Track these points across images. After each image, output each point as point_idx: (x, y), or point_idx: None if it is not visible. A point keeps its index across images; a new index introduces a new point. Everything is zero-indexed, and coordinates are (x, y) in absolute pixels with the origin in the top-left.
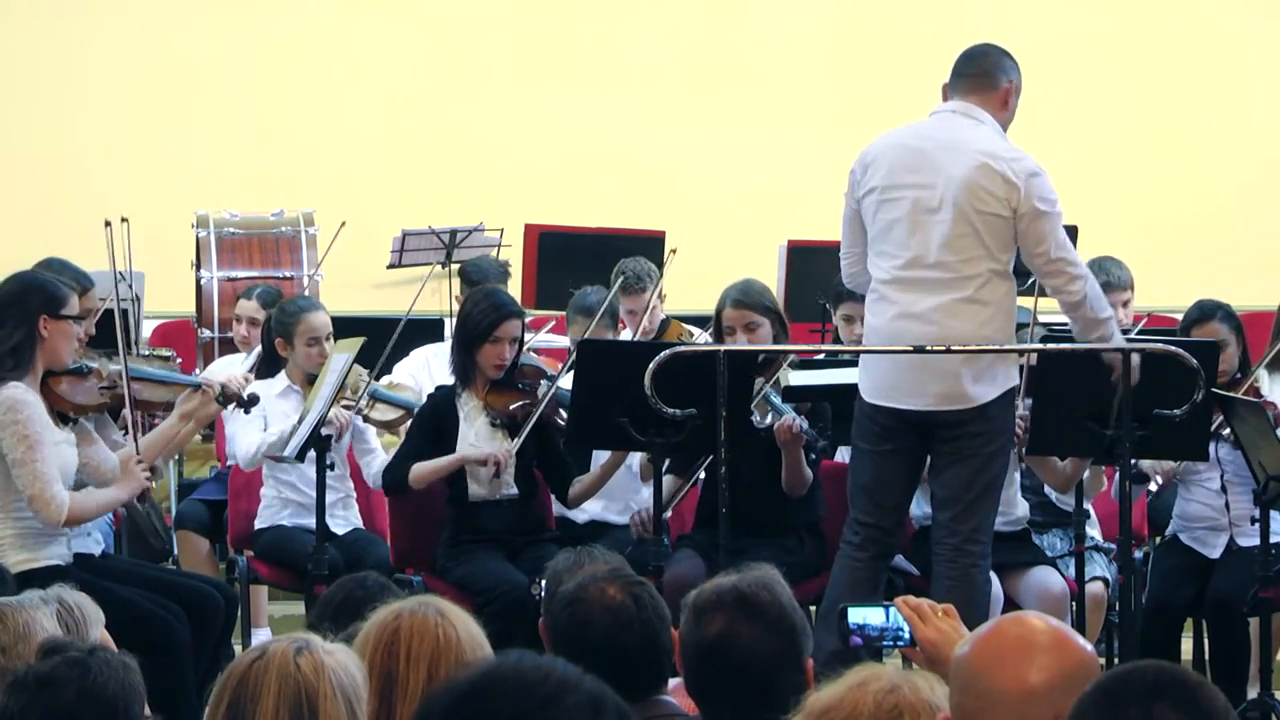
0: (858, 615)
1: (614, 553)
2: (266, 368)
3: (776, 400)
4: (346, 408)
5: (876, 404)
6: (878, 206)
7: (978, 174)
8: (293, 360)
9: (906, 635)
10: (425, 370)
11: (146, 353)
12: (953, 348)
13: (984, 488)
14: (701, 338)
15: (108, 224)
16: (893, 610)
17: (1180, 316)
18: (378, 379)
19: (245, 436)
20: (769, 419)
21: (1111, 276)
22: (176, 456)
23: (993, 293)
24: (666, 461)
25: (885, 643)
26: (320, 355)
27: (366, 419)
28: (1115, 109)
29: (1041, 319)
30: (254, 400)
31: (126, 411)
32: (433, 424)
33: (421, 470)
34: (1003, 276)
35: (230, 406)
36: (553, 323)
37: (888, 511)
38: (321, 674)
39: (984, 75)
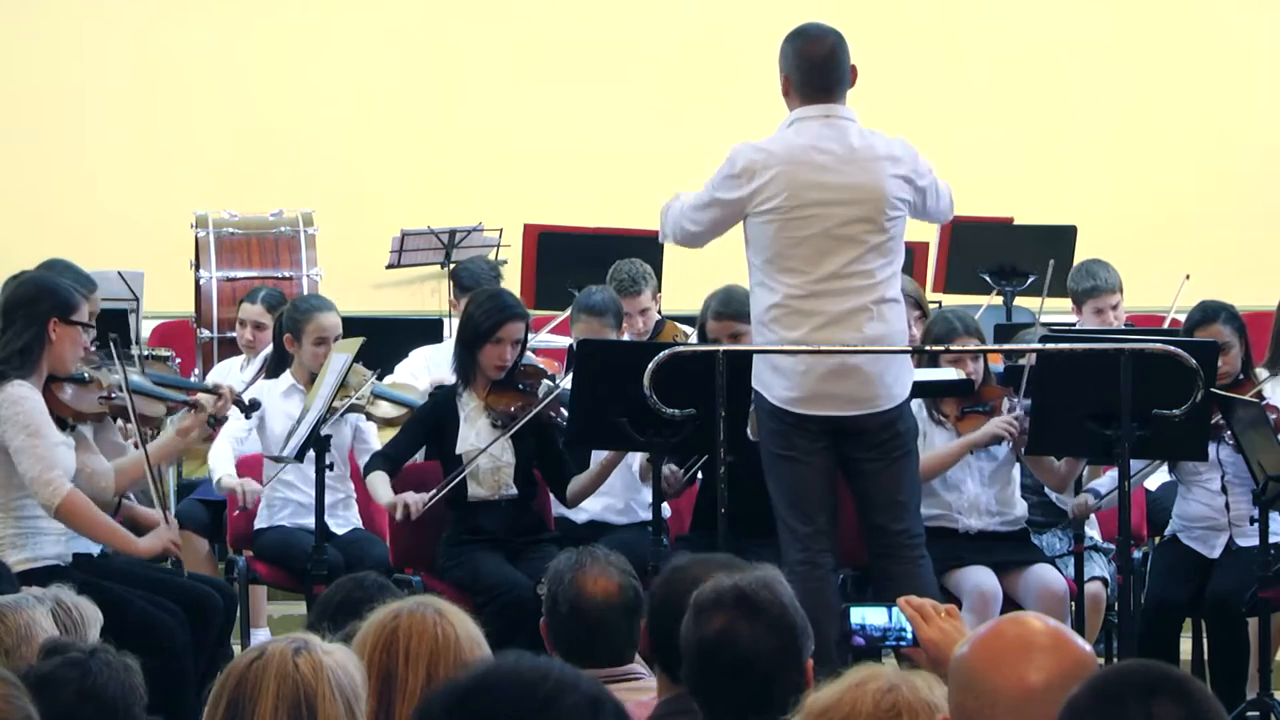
0: (859, 615)
1: (615, 552)
2: (275, 366)
3: None
4: (350, 406)
5: (805, 414)
6: (781, 225)
7: (891, 184)
8: (298, 359)
9: (909, 635)
10: (424, 372)
11: (146, 353)
12: (951, 347)
13: (913, 482)
14: (695, 338)
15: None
16: (895, 610)
17: (1168, 314)
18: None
19: (220, 459)
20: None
21: (1099, 279)
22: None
23: (899, 288)
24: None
25: (888, 643)
26: (327, 355)
27: (369, 416)
28: (1113, 108)
29: (1040, 319)
30: (255, 405)
31: (129, 423)
32: (432, 422)
33: (373, 485)
34: (899, 270)
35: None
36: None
37: (829, 513)
38: (320, 674)
39: (845, 75)
